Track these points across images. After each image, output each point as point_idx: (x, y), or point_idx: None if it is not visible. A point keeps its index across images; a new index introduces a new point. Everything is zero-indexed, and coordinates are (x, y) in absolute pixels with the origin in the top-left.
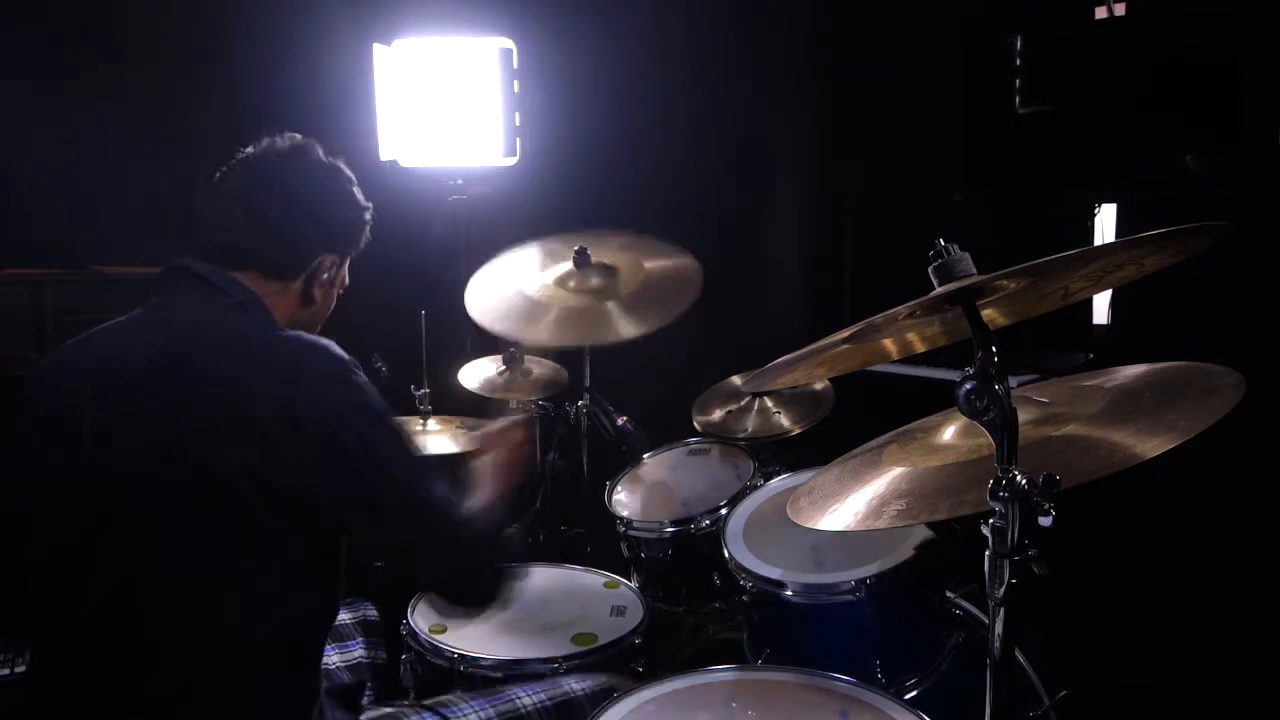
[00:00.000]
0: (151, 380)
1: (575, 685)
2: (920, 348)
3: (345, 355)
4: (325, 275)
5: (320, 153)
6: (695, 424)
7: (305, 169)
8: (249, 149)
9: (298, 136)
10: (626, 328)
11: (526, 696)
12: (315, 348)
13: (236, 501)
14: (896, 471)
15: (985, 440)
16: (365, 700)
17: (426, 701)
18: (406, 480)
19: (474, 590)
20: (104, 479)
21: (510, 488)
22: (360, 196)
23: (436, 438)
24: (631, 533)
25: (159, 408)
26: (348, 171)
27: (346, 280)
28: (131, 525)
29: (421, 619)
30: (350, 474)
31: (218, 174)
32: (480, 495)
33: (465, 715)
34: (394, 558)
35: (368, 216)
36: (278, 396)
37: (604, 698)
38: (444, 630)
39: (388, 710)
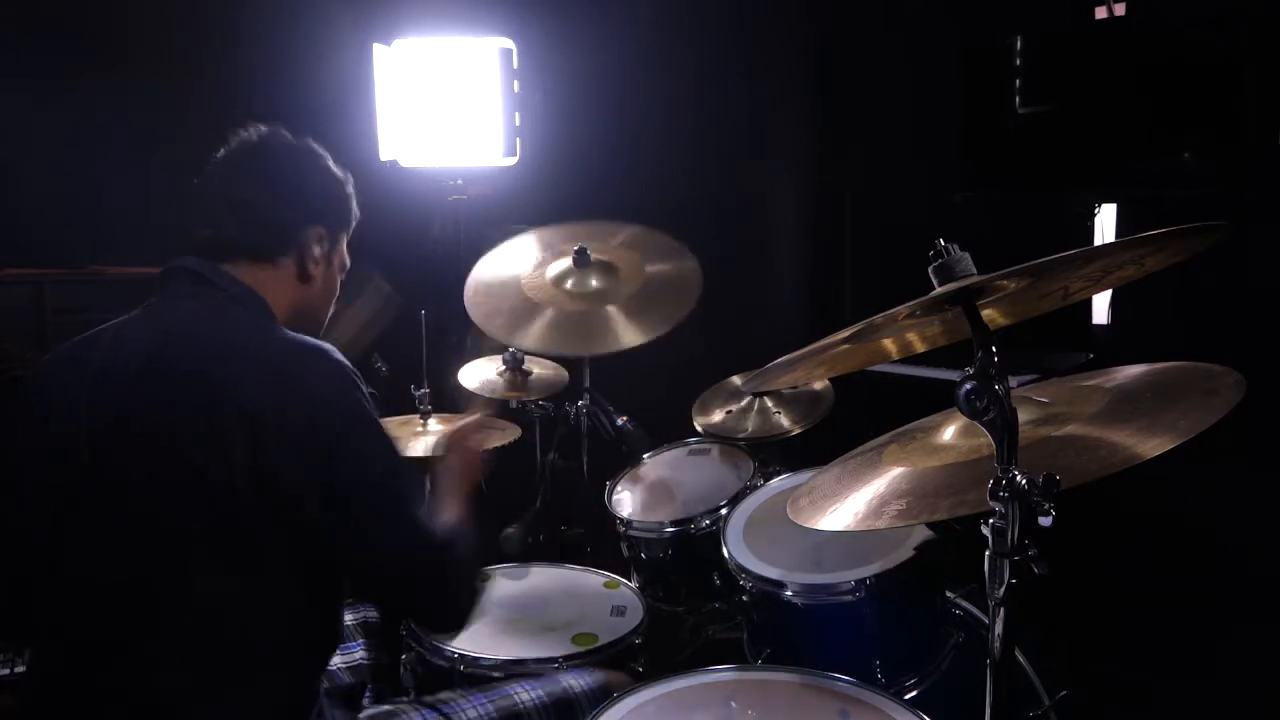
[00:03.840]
0: (147, 381)
1: (573, 682)
2: (920, 348)
3: (346, 363)
4: (317, 250)
5: (288, 135)
6: (695, 424)
7: (277, 151)
8: (224, 147)
9: (264, 128)
10: (626, 336)
11: (525, 693)
12: (316, 352)
13: (230, 503)
14: (896, 471)
15: (985, 440)
16: (365, 700)
17: (425, 698)
18: (390, 494)
19: (453, 611)
20: (102, 480)
21: (473, 489)
22: (337, 170)
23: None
24: (631, 533)
25: (155, 409)
26: (319, 149)
27: (347, 261)
28: (129, 526)
29: None
30: (334, 482)
31: (199, 175)
32: (450, 512)
33: (464, 711)
34: (371, 577)
35: (349, 190)
36: (271, 399)
37: (602, 695)
38: None
39: (386, 708)
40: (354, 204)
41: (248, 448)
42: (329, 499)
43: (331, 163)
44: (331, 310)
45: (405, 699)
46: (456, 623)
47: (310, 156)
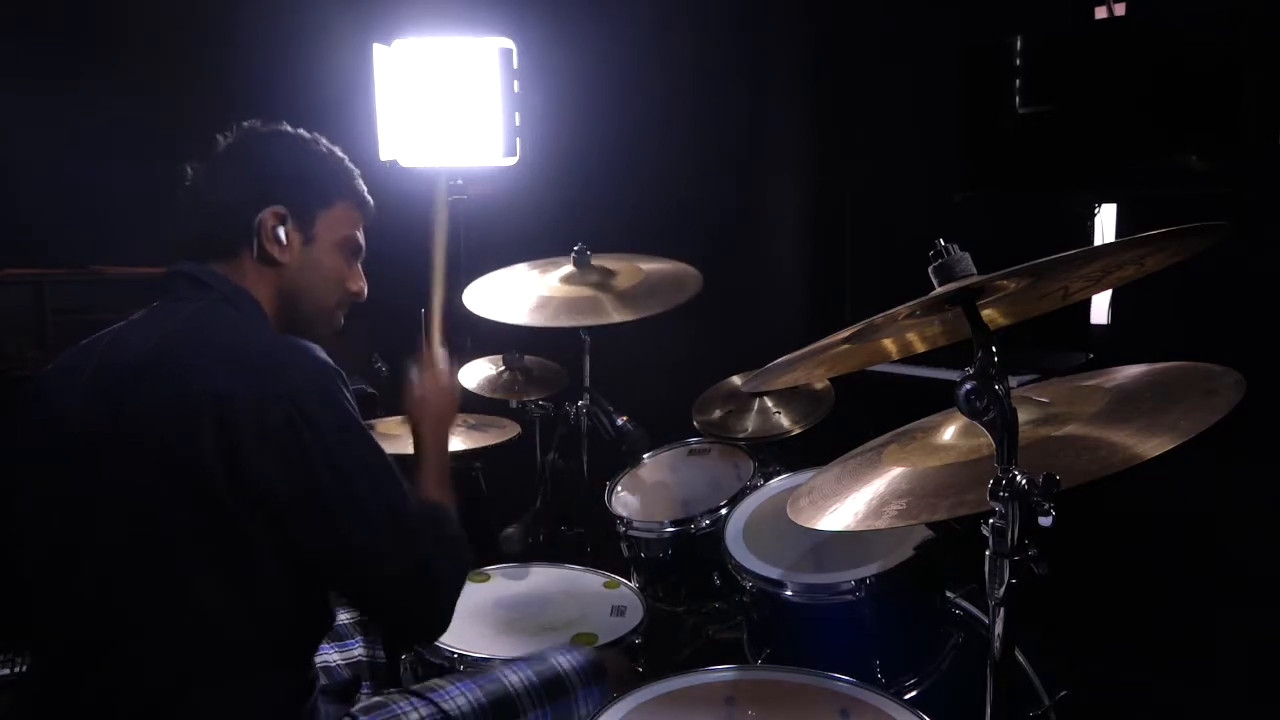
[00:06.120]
0: (137, 381)
1: (562, 660)
2: (920, 348)
3: (330, 363)
4: (280, 230)
5: (257, 125)
6: (695, 424)
7: (235, 144)
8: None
9: (243, 124)
10: (621, 313)
11: (514, 675)
12: (298, 350)
13: (216, 501)
14: (896, 471)
15: (985, 440)
16: (361, 695)
17: (415, 687)
18: (373, 500)
19: (433, 609)
20: (95, 480)
21: (445, 438)
22: (318, 147)
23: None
24: (631, 533)
25: (140, 407)
26: (293, 130)
27: (357, 242)
28: (123, 525)
29: None
30: (309, 481)
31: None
32: (433, 487)
33: (454, 698)
34: (352, 581)
35: (333, 165)
36: (251, 395)
37: (592, 673)
38: None
39: (377, 699)
40: (343, 178)
41: (215, 432)
42: (311, 505)
43: (307, 140)
44: (339, 295)
45: (396, 689)
46: (436, 622)
47: (269, 139)
